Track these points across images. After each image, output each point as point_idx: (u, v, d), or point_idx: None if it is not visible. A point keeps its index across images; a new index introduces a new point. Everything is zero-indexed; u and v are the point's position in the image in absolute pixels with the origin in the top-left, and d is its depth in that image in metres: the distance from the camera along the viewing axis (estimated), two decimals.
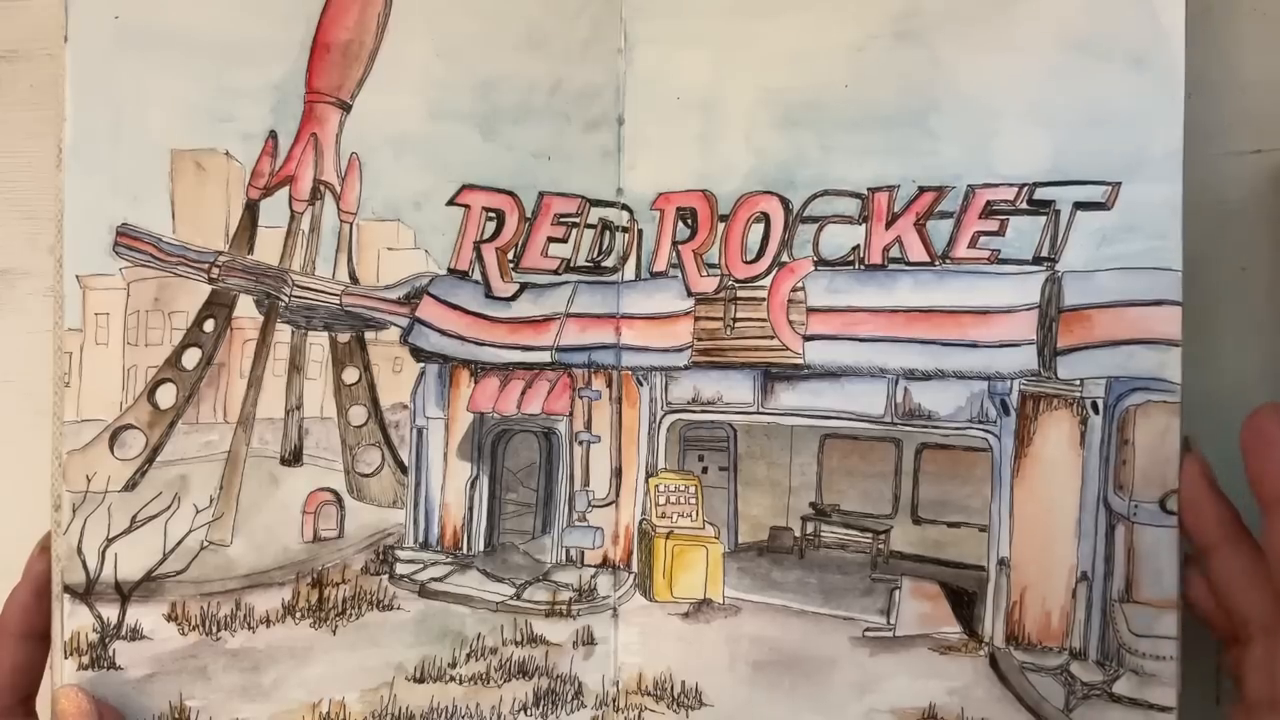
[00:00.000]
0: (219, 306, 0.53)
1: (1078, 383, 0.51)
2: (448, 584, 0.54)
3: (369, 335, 0.54)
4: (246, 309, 0.53)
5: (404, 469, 0.54)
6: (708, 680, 0.54)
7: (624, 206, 0.54)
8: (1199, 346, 0.52)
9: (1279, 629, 0.45)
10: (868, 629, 0.53)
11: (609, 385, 0.55)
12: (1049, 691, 0.51)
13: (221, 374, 0.53)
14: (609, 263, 0.55)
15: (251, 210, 0.53)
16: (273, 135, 0.53)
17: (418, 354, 0.54)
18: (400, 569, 0.54)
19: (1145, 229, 0.49)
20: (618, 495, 0.55)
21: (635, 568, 0.55)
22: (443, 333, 0.54)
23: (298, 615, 0.53)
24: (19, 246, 0.53)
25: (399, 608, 0.54)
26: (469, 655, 0.54)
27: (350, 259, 0.54)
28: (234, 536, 0.53)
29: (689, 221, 0.54)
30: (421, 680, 0.54)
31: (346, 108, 0.53)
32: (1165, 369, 0.49)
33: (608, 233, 0.54)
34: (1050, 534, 0.51)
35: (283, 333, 0.53)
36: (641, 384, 0.55)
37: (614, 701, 0.54)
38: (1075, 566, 0.51)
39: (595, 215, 0.54)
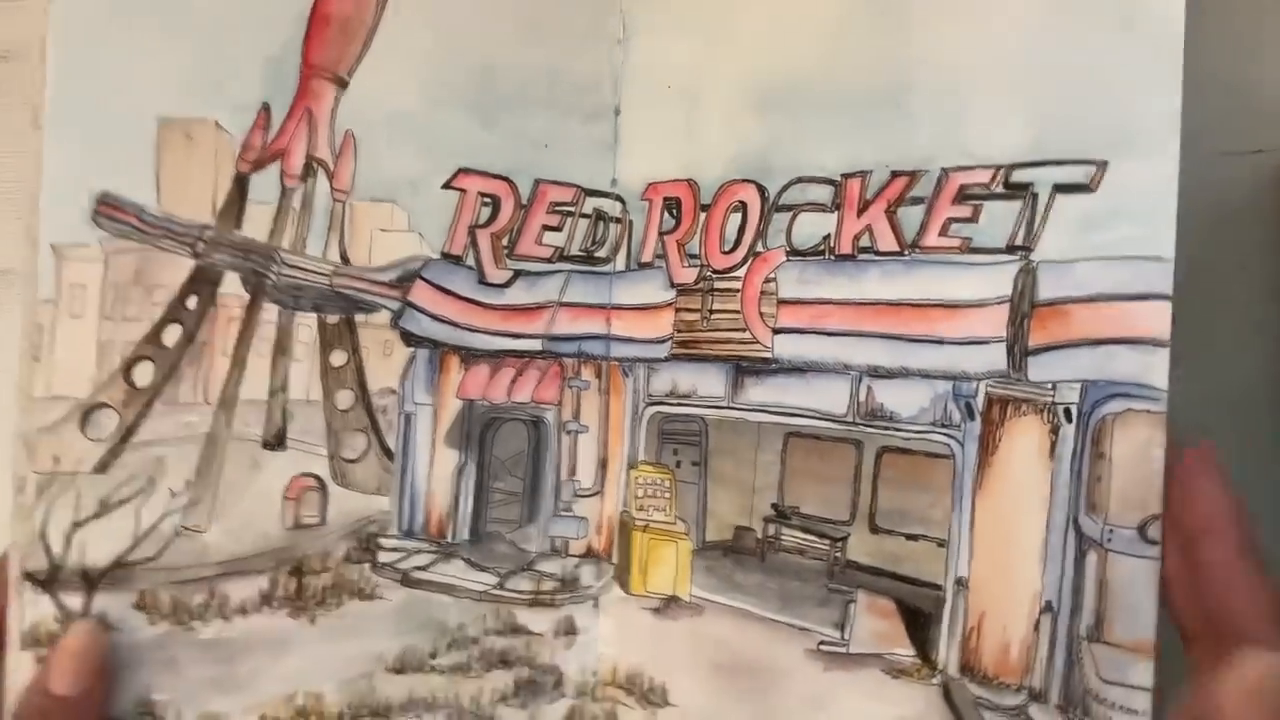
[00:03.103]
0: (203, 283, 0.51)
1: (1050, 386, 0.46)
2: (431, 573, 0.53)
3: (359, 317, 0.53)
4: (232, 286, 0.51)
5: (390, 455, 0.53)
6: (673, 679, 0.54)
7: (617, 197, 0.55)
8: (1195, 351, 0.45)
9: (1225, 638, 0.39)
10: (822, 642, 0.51)
11: (598, 375, 0.55)
12: None
13: (204, 353, 0.51)
14: (602, 253, 0.55)
15: (240, 184, 0.51)
16: (266, 107, 0.51)
17: (408, 338, 0.53)
18: (383, 557, 0.53)
19: (1133, 213, 0.43)
20: (603, 486, 0.55)
21: (616, 559, 0.55)
22: (434, 317, 0.53)
23: (275, 604, 0.51)
24: (19, 246, 0.48)
25: (381, 597, 0.53)
26: (450, 645, 0.53)
27: (342, 239, 0.52)
28: (211, 522, 0.51)
29: (674, 211, 0.54)
30: (401, 671, 0.52)
31: (343, 84, 0.52)
32: (1150, 373, 0.42)
33: (601, 223, 0.55)
34: (1013, 555, 0.46)
35: (269, 312, 0.52)
36: (627, 375, 0.55)
37: (592, 691, 0.54)
38: (1039, 594, 0.45)
39: (590, 205, 0.55)
